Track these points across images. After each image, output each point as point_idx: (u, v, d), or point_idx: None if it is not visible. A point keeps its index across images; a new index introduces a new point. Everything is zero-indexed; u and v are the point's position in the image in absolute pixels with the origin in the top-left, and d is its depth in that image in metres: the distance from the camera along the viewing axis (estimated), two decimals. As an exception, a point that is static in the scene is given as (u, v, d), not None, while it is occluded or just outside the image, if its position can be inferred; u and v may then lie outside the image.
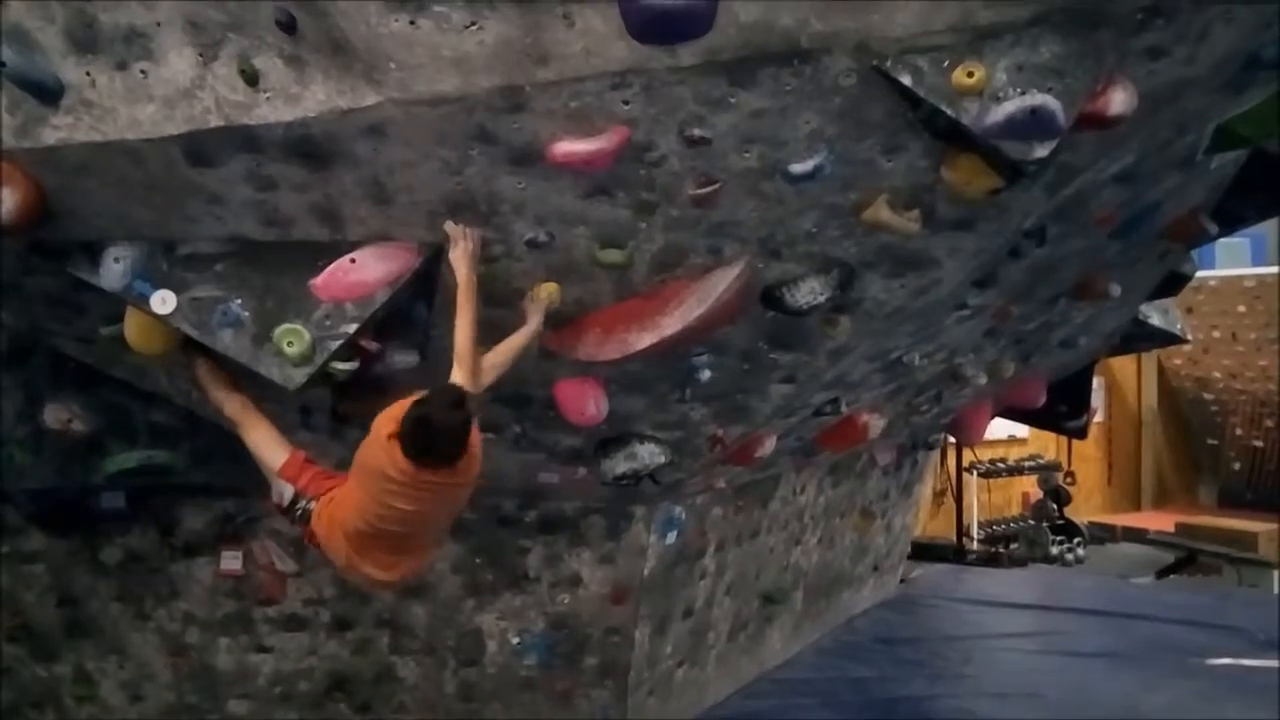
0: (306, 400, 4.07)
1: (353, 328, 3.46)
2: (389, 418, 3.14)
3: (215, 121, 3.11)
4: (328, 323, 3.47)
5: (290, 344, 3.45)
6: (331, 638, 5.32)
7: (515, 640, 5.33)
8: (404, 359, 3.73)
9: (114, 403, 4.48)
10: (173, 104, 3.12)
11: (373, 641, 5.36)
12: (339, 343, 3.47)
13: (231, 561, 5.11)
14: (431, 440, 3.09)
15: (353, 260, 3.47)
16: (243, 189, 3.35)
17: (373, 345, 3.59)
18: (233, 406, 3.81)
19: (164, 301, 3.54)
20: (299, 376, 3.49)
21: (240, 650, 5.29)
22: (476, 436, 3.25)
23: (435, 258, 3.51)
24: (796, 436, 5.34)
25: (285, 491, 3.55)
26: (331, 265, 3.47)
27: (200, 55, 3.04)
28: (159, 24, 3.03)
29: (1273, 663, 6.64)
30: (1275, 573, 9.52)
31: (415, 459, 3.10)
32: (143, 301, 3.57)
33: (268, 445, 3.69)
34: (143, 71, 3.10)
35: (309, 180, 3.29)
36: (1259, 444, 12.04)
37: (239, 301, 3.53)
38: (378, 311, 3.48)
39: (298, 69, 3.00)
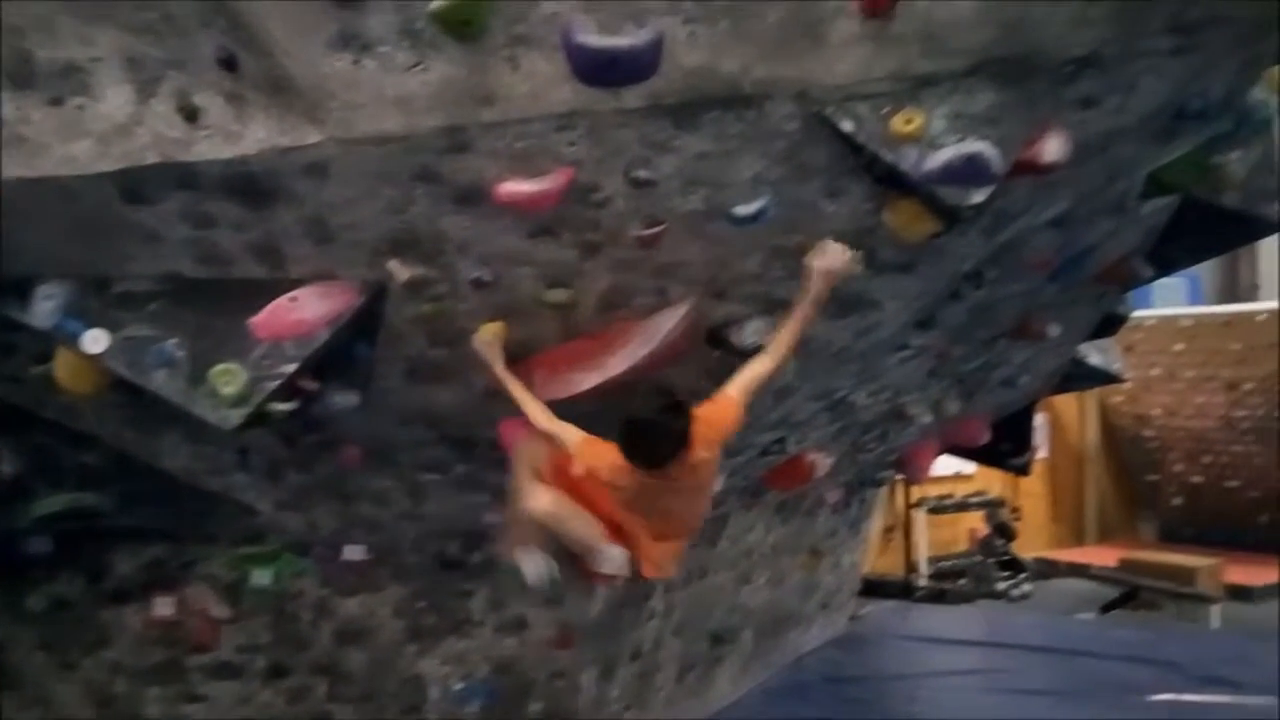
0: (244, 441, 3.98)
1: (292, 367, 3.40)
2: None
3: (152, 158, 3.06)
4: (266, 362, 3.41)
5: (226, 384, 3.38)
6: (266, 686, 5.15)
7: (458, 686, 5.22)
8: (344, 399, 3.67)
9: (42, 444, 4.33)
10: (109, 140, 3.06)
11: (309, 689, 5.20)
12: (277, 383, 3.40)
13: (163, 608, 4.94)
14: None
15: (293, 299, 3.41)
16: (180, 227, 3.29)
17: (312, 385, 3.53)
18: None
19: (95, 341, 3.45)
20: (235, 417, 3.42)
21: (170, 700, 5.10)
22: (704, 429, 3.33)
23: (378, 296, 3.47)
24: (744, 476, 5.33)
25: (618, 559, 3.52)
26: (271, 304, 3.42)
27: (138, 92, 2.99)
28: (97, 60, 2.98)
29: (1210, 698, 6.73)
30: (1214, 608, 9.66)
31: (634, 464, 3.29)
32: (73, 341, 3.47)
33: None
34: (79, 107, 3.04)
35: (248, 218, 3.24)
36: (1198, 480, 12.24)
37: (174, 341, 3.45)
38: (318, 351, 3.43)
39: (238, 106, 2.96)
